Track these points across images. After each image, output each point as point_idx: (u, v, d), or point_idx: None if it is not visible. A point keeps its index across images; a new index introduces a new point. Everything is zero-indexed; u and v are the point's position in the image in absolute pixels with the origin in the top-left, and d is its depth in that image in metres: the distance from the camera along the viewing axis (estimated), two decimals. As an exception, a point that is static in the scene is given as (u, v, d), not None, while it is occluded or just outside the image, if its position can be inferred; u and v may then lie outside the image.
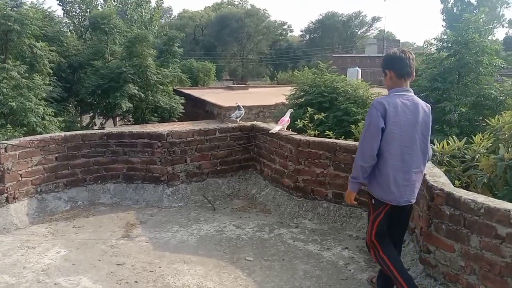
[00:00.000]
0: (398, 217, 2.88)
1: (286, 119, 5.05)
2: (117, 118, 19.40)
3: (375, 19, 62.73)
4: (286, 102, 14.06)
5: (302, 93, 12.52)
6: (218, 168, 5.35)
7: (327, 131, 7.26)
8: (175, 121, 17.89)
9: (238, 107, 5.70)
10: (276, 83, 40.21)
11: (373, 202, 2.87)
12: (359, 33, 64.06)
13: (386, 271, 2.81)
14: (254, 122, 5.53)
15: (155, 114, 18.03)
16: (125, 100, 16.42)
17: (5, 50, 12.77)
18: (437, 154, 4.20)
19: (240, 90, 28.79)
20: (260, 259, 3.63)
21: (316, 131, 5.73)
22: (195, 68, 31.29)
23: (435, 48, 13.55)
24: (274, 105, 18.76)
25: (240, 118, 5.63)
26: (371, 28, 64.14)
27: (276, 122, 5.52)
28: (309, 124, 5.60)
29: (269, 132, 5.04)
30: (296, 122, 6.57)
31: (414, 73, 2.81)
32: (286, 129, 5.05)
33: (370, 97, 11.82)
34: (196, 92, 24.84)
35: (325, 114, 8.42)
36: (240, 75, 55.21)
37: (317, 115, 6.95)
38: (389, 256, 2.80)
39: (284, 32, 62.84)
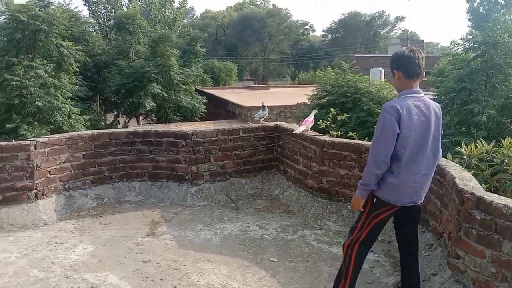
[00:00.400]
0: (402, 218, 2.84)
1: (310, 119, 5.03)
2: (140, 117, 19.66)
3: (398, 19, 61.89)
4: (308, 103, 14.00)
5: (325, 93, 12.43)
6: (242, 168, 5.36)
7: (350, 132, 7.20)
8: (197, 121, 18.04)
9: (263, 107, 5.69)
10: (298, 83, 40.10)
11: (374, 201, 2.76)
12: (382, 33, 63.25)
13: (343, 271, 2.81)
14: (278, 122, 5.53)
15: (178, 114, 18.20)
16: (148, 100, 16.63)
17: (33, 50, 13.07)
18: (465, 157, 4.11)
19: (261, 90, 28.82)
20: (284, 260, 3.62)
21: (339, 132, 5.69)
22: (216, 68, 31.46)
23: (462, 48, 13.26)
24: (296, 105, 18.71)
25: (263, 118, 5.63)
26: (395, 28, 63.31)
27: (298, 123, 5.49)
28: (332, 125, 5.56)
29: (293, 132, 5.02)
30: (318, 122, 6.52)
31: (424, 73, 2.71)
32: (310, 129, 5.03)
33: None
34: (217, 92, 24.99)
35: (348, 115, 8.35)
36: (261, 75, 55.24)
37: (340, 116, 6.88)
38: (358, 259, 2.80)
39: (306, 32, 62.56)
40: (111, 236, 4.06)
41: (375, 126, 10.11)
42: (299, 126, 5.12)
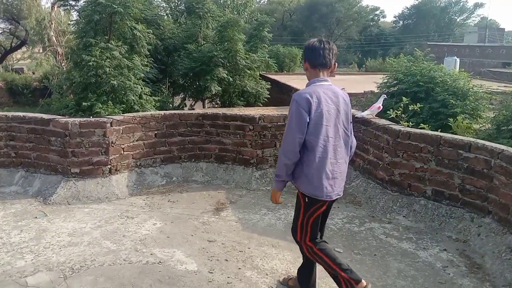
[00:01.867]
0: (324, 212, 2.74)
1: (377, 105, 4.80)
2: (206, 100, 20.05)
3: (477, 6, 57.67)
4: (376, 91, 13.49)
5: (395, 82, 11.86)
6: (308, 155, 5.26)
7: (421, 124, 6.81)
8: (260, 106, 18.05)
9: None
10: (365, 71, 38.84)
11: (306, 201, 2.65)
12: (458, 20, 59.30)
13: (325, 267, 2.69)
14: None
15: (241, 98, 18.29)
16: (214, 84, 16.83)
17: (109, 31, 13.68)
18: None
19: (327, 77, 28.17)
20: (350, 251, 3.51)
21: (410, 123, 5.38)
22: (281, 54, 31.18)
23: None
24: (362, 93, 18.10)
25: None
26: (472, 15, 59.11)
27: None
28: (403, 115, 5.28)
29: (355, 116, 4.82)
30: (388, 111, 6.21)
31: (332, 64, 2.65)
32: (376, 116, 4.80)
33: (471, 89, 10.90)
34: (281, 78, 24.80)
35: (421, 106, 7.90)
36: (327, 61, 54.04)
37: (412, 106, 6.51)
38: (324, 251, 2.67)
39: (376, 17, 60.19)
40: (178, 214, 4.17)
41: (449, 118, 9.56)
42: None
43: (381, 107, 4.80)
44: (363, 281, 2.60)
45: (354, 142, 2.81)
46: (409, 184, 4.16)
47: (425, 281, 3.11)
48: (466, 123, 7.30)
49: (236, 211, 4.28)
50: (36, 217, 4.00)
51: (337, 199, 2.71)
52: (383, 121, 4.59)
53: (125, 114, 4.96)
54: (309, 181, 2.58)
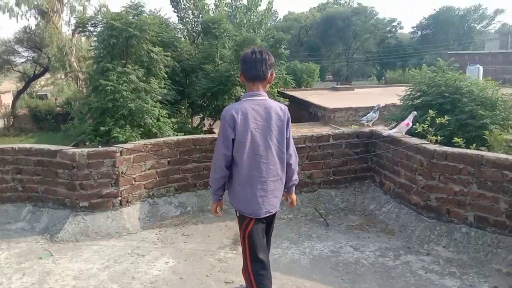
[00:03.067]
0: (264, 230, 2.67)
1: (406, 122, 4.43)
2: (224, 119, 19.86)
3: (497, 12, 56.52)
4: (399, 103, 13.01)
5: (419, 94, 11.39)
6: (331, 178, 4.88)
7: (455, 138, 6.35)
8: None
9: (377, 109, 5.07)
10: (384, 83, 38.20)
11: (237, 215, 2.68)
12: (478, 27, 58.22)
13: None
14: (373, 128, 4.94)
15: (260, 116, 18.07)
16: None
17: (125, 55, 13.70)
18: None
19: (345, 91, 27.82)
20: (386, 291, 3.09)
21: (438, 137, 4.97)
22: (299, 70, 31.01)
23: None
24: (384, 106, 17.63)
25: (372, 122, 5.04)
26: (493, 22, 57.93)
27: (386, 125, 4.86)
28: (430, 129, 4.88)
29: (382, 135, 4.49)
30: (414, 126, 5.84)
31: (268, 75, 2.57)
32: (405, 134, 4.43)
33: (500, 98, 10.33)
34: (299, 94, 24.56)
35: (449, 118, 7.46)
36: (345, 75, 53.68)
37: (439, 119, 6.12)
38: (258, 281, 2.57)
39: (393, 29, 59.68)
40: (193, 250, 3.82)
41: (479, 130, 9.00)
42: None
43: (411, 124, 4.40)
44: None
45: (293, 158, 2.69)
46: (448, 210, 3.72)
47: (477, 328, 2.66)
48: (501, 135, 6.77)
49: (255, 244, 3.91)
50: (41, 258, 3.72)
51: (275, 215, 2.68)
52: (414, 140, 4.18)
53: (136, 142, 4.68)
54: (236, 196, 2.62)
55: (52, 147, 4.47)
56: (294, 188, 2.83)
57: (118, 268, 3.51)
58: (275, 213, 2.69)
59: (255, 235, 2.59)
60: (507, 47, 45.83)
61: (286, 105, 2.70)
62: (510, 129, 9.46)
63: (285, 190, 2.78)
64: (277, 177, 2.60)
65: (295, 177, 2.76)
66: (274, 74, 2.64)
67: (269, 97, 2.64)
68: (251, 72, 2.57)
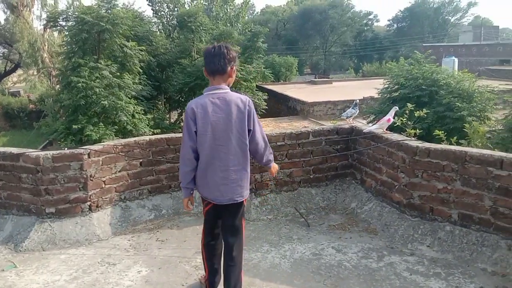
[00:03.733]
0: (220, 214, 2.83)
1: (387, 118, 4.30)
2: (202, 114, 19.57)
3: (470, 5, 57.62)
4: (376, 96, 13.00)
5: (397, 86, 11.38)
6: (311, 177, 4.73)
7: (436, 131, 6.30)
8: (258, 118, 17.55)
9: (355, 105, 4.99)
10: (362, 76, 38.45)
11: (202, 199, 2.88)
12: (452, 20, 59.27)
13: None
14: (354, 124, 4.81)
15: (239, 111, 17.84)
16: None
17: (98, 50, 13.24)
18: None
19: (324, 85, 27.83)
20: (370, 296, 2.96)
21: (416, 130, 4.90)
22: (277, 63, 30.85)
23: None
24: (362, 99, 17.63)
25: (353, 117, 4.93)
26: (466, 15, 59.08)
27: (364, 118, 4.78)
28: (408, 122, 4.80)
29: (363, 132, 4.38)
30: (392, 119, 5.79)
31: (227, 69, 2.67)
32: (386, 129, 4.32)
33: (477, 90, 10.40)
34: (278, 88, 24.40)
35: (427, 111, 7.44)
36: (322, 68, 53.82)
37: (418, 112, 6.09)
38: (208, 255, 2.95)
39: (370, 22, 60.17)
40: (167, 256, 3.62)
41: (457, 122, 9.00)
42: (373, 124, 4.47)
43: (392, 120, 4.28)
44: None
45: (260, 145, 2.79)
46: (431, 208, 3.62)
47: (465, 334, 2.56)
48: (481, 127, 6.76)
49: (234, 248, 3.72)
50: (3, 270, 3.46)
51: (234, 204, 2.75)
52: (396, 136, 4.06)
53: (105, 143, 4.42)
54: (202, 186, 2.76)
55: (15, 150, 4.16)
56: (271, 164, 3.00)
57: (87, 279, 3.28)
58: (242, 201, 2.80)
59: (212, 214, 2.84)
60: (480, 39, 46.71)
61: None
62: (487, 121, 9.53)
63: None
64: (239, 167, 2.71)
65: (266, 158, 2.89)
66: (234, 68, 2.71)
67: (245, 91, 2.57)
68: (210, 66, 2.68)
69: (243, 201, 2.80)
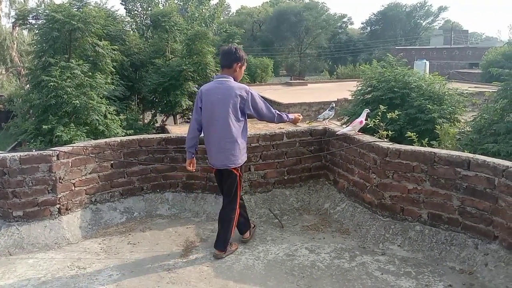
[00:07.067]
0: (221, 178, 3.61)
1: (359, 120, 4.35)
2: (177, 115, 19.41)
3: (441, 9, 59.26)
4: (350, 98, 13.16)
5: (370, 89, 11.56)
6: (286, 178, 4.75)
7: (408, 133, 6.43)
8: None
9: (332, 108, 5.01)
10: (336, 78, 38.90)
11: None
12: (423, 24, 60.75)
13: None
14: (327, 125, 4.85)
15: (214, 112, 17.77)
16: (185, 98, 16.28)
17: (69, 49, 12.95)
18: None
19: (299, 86, 28.00)
20: (342, 296, 2.99)
21: (389, 132, 4.99)
22: (253, 65, 30.89)
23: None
24: (336, 101, 17.84)
25: (328, 119, 4.95)
26: (437, 19, 60.70)
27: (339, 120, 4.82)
28: (381, 124, 4.88)
29: (336, 133, 4.42)
30: (366, 121, 5.89)
31: (232, 65, 3.48)
32: (358, 131, 4.37)
33: (447, 93, 10.67)
34: (254, 89, 24.30)
35: (399, 112, 7.59)
36: (298, 70, 54.19)
37: (390, 114, 6.19)
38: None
39: (344, 25, 60.97)
40: (139, 260, 3.56)
41: (428, 124, 9.19)
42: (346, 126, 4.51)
43: (364, 122, 4.34)
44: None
45: (267, 116, 3.60)
46: (402, 208, 3.69)
47: (434, 331, 2.61)
48: (451, 129, 6.95)
49: (207, 251, 3.69)
50: (-34, 277, 3.33)
51: (226, 169, 3.50)
52: (368, 138, 4.12)
53: (74, 145, 4.32)
54: (207, 152, 3.60)
55: (-21, 152, 4.02)
56: (288, 119, 3.76)
57: (56, 283, 3.19)
58: (233, 168, 3.48)
59: (217, 177, 3.69)
60: (451, 43, 48.01)
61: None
62: (456, 123, 9.79)
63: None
64: (232, 139, 3.41)
65: (277, 119, 3.66)
66: (241, 67, 3.52)
67: None
68: (221, 61, 3.56)
69: (234, 169, 3.47)
